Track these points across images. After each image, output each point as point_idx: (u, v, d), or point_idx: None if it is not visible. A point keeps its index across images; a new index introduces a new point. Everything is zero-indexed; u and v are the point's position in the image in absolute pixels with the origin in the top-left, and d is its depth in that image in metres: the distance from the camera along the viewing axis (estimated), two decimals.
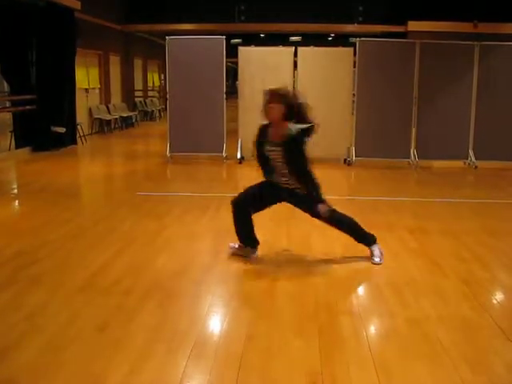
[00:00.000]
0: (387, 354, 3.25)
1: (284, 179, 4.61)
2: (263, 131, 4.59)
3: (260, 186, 4.79)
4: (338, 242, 5.42)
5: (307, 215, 6.56)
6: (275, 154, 4.51)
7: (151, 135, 16.58)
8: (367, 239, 4.85)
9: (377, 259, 4.78)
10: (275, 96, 4.40)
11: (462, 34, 13.87)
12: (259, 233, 5.66)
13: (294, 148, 4.44)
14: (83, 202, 7.93)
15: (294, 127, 4.39)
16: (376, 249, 4.83)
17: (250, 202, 4.78)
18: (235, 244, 4.98)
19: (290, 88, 4.68)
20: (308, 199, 4.56)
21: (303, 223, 6.17)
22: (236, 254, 4.94)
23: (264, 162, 4.67)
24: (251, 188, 4.82)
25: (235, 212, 4.78)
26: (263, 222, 6.09)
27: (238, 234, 4.89)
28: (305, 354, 3.24)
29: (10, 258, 4.88)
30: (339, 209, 6.60)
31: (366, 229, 4.85)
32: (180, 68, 10.43)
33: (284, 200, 4.76)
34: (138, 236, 5.62)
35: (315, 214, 4.67)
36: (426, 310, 3.89)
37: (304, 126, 4.41)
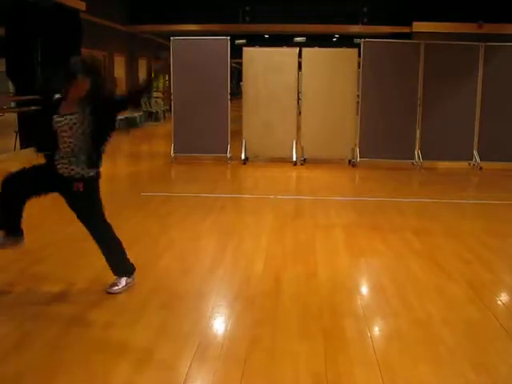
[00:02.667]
0: (391, 355, 3.25)
1: (62, 161, 3.88)
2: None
3: (37, 167, 3.99)
4: (342, 243, 5.42)
5: (312, 215, 6.58)
6: (65, 125, 3.84)
7: (155, 136, 16.60)
8: (122, 269, 4.22)
9: (115, 288, 4.13)
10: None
11: (467, 35, 13.86)
12: (263, 235, 5.67)
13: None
14: None
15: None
16: (123, 281, 4.18)
17: (23, 181, 3.94)
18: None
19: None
20: (83, 205, 4.06)
21: (307, 224, 6.19)
22: None
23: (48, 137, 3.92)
24: (27, 169, 3.98)
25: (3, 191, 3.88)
26: (267, 222, 6.10)
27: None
28: (309, 356, 3.24)
29: (16, 258, 4.89)
30: (344, 209, 6.60)
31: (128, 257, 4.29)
32: (184, 69, 10.43)
33: (58, 191, 4.03)
34: (142, 236, 5.63)
35: (85, 223, 4.17)
36: (429, 311, 3.89)
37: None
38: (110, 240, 4.19)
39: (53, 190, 4.01)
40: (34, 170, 3.97)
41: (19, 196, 3.93)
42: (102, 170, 4.08)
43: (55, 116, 3.83)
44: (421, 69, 10.17)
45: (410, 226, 6.12)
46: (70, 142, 3.82)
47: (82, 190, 3.87)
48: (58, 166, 3.87)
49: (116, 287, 4.15)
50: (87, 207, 4.11)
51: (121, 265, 4.23)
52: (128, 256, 4.25)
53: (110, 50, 17.00)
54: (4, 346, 3.29)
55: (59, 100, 3.90)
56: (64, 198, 4.03)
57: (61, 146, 3.84)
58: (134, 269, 4.28)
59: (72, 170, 3.86)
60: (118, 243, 4.21)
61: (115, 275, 4.20)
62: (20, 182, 3.91)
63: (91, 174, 3.95)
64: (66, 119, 3.80)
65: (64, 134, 3.81)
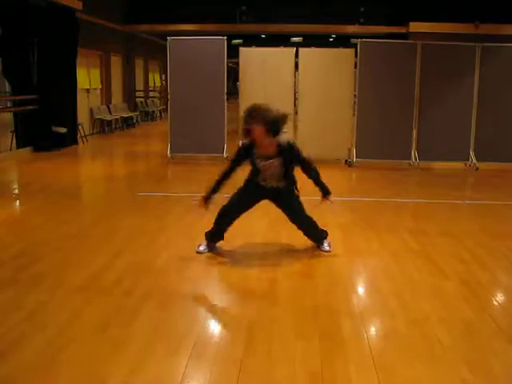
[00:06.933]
0: (387, 355, 3.26)
1: (271, 180, 4.84)
2: (249, 147, 4.73)
3: (246, 191, 4.98)
4: (338, 243, 5.42)
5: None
6: (270, 164, 4.69)
7: (152, 135, 16.59)
8: (322, 237, 5.21)
9: (327, 247, 5.16)
10: (254, 117, 4.52)
11: (464, 36, 13.88)
12: (259, 234, 5.67)
13: (294, 155, 4.69)
14: (84, 202, 7.93)
15: (282, 140, 4.62)
16: (325, 247, 5.17)
17: (237, 210, 5.01)
18: (204, 246, 5.10)
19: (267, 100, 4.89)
20: (293, 201, 4.99)
21: None
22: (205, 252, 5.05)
23: (255, 170, 4.86)
24: (239, 196, 5.00)
25: (221, 221, 5.00)
26: (262, 222, 6.10)
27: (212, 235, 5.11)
28: (305, 355, 3.24)
29: (11, 258, 4.89)
30: (341, 209, 6.63)
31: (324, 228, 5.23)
32: (181, 68, 10.43)
33: (267, 198, 4.98)
34: (139, 236, 5.62)
35: (294, 217, 5.08)
36: (425, 311, 3.89)
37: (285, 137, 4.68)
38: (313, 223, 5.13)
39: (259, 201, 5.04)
40: (245, 195, 4.98)
41: (233, 220, 5.01)
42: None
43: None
44: (417, 69, 10.19)
45: (406, 226, 6.13)
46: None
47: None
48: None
49: (327, 247, 5.15)
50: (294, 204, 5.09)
51: (318, 234, 5.17)
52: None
53: (107, 50, 16.96)
54: (0, 346, 3.28)
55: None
56: (273, 201, 5.05)
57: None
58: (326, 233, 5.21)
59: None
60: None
61: (317, 242, 5.18)
62: (236, 211, 4.99)
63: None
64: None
65: None
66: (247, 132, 4.54)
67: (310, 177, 4.84)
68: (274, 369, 3.09)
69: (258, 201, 5.03)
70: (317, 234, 5.20)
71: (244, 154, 4.76)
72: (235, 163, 4.84)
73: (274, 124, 4.49)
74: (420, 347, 3.36)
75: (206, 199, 4.82)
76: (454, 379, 3.00)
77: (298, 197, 4.99)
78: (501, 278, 4.78)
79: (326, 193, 4.86)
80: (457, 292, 4.26)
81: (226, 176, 4.86)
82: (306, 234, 5.17)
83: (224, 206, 4.96)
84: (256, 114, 4.50)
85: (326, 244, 5.18)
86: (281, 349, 3.31)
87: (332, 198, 4.87)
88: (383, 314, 3.89)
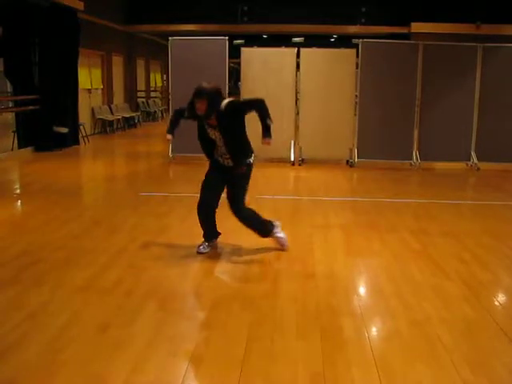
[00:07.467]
0: (389, 355, 3.25)
1: (225, 156, 4.92)
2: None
3: (209, 173, 5.08)
4: (340, 243, 5.42)
5: (310, 216, 6.58)
6: (215, 132, 4.83)
7: (153, 136, 16.58)
8: (270, 231, 5.12)
9: (285, 244, 5.17)
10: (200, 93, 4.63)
11: (465, 36, 13.87)
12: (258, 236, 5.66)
13: (233, 109, 4.70)
14: (85, 202, 7.93)
15: (221, 106, 4.66)
16: (279, 234, 5.16)
17: (210, 198, 5.03)
18: (203, 246, 5.14)
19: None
20: (238, 185, 4.95)
21: (303, 224, 6.19)
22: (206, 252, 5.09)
23: (206, 142, 5.02)
24: (204, 187, 5.07)
25: (202, 214, 5.08)
26: None
27: (205, 233, 5.18)
28: (307, 356, 3.23)
29: (13, 258, 4.89)
30: (342, 210, 6.64)
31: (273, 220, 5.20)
32: (182, 69, 10.43)
33: (227, 181, 4.98)
34: (140, 236, 5.62)
35: (230, 201, 4.95)
36: (427, 311, 3.89)
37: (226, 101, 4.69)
38: (252, 215, 5.05)
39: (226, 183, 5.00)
40: (212, 181, 5.01)
41: (212, 210, 5.04)
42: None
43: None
44: (419, 69, 10.19)
45: (407, 226, 6.12)
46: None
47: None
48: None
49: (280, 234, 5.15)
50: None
51: (264, 229, 5.08)
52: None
53: (108, 50, 16.97)
54: (1, 347, 3.28)
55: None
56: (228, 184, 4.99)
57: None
58: (274, 225, 5.12)
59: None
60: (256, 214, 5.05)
61: (264, 237, 5.12)
62: (213, 200, 5.00)
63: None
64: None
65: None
66: (191, 105, 4.72)
67: (257, 114, 4.79)
68: (276, 369, 3.08)
69: (223, 181, 5.00)
70: (258, 226, 5.08)
71: (189, 112, 4.88)
72: (179, 112, 5.18)
73: (214, 101, 4.62)
74: (421, 347, 3.36)
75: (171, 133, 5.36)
76: (456, 380, 3.00)
77: (246, 183, 4.97)
78: (502, 278, 4.77)
79: (265, 134, 4.79)
80: (458, 292, 4.25)
81: (175, 121, 5.32)
82: (244, 224, 5.04)
83: (198, 203, 5.04)
84: (205, 91, 4.61)
85: (279, 234, 5.15)
86: (282, 349, 3.31)
87: (269, 141, 4.83)
88: (384, 314, 3.88)
